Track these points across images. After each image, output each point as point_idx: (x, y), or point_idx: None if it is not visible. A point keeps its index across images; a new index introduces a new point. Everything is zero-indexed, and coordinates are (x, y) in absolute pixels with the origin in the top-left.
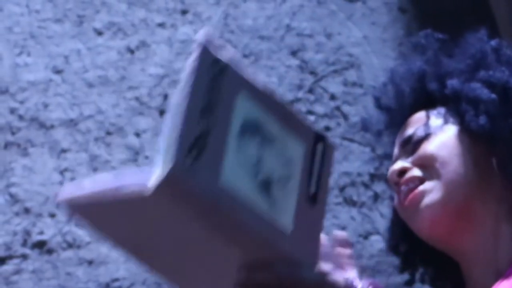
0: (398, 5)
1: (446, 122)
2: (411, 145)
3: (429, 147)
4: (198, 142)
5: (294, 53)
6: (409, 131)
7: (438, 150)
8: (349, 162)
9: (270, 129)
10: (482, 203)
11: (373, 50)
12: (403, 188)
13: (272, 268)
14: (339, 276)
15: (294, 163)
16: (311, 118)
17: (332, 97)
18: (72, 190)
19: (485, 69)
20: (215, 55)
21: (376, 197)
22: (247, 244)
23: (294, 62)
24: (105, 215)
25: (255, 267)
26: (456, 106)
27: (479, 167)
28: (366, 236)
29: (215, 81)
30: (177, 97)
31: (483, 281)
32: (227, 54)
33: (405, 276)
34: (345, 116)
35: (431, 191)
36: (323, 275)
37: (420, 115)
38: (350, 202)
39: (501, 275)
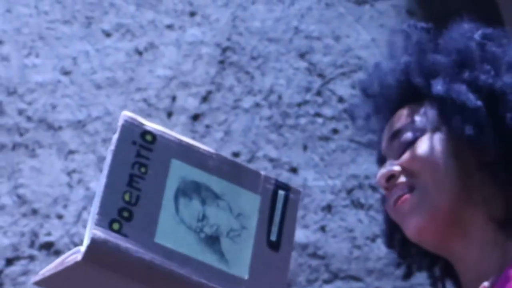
0: (406, 7)
1: (433, 122)
2: (399, 145)
3: (418, 152)
4: (126, 208)
5: (302, 56)
6: (396, 125)
7: (426, 156)
8: (357, 164)
9: (213, 187)
10: (469, 211)
11: (381, 52)
12: (392, 193)
13: None
14: None
15: (248, 215)
16: (319, 120)
17: (340, 99)
18: (42, 272)
19: (470, 68)
20: (141, 127)
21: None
22: None
23: (302, 64)
24: (62, 282)
25: None
26: (442, 107)
27: (467, 174)
28: (373, 239)
29: (143, 151)
30: (103, 171)
31: (474, 286)
32: (157, 126)
33: (412, 278)
34: None
35: (419, 199)
36: None
37: (407, 111)
38: (357, 205)
39: (488, 280)
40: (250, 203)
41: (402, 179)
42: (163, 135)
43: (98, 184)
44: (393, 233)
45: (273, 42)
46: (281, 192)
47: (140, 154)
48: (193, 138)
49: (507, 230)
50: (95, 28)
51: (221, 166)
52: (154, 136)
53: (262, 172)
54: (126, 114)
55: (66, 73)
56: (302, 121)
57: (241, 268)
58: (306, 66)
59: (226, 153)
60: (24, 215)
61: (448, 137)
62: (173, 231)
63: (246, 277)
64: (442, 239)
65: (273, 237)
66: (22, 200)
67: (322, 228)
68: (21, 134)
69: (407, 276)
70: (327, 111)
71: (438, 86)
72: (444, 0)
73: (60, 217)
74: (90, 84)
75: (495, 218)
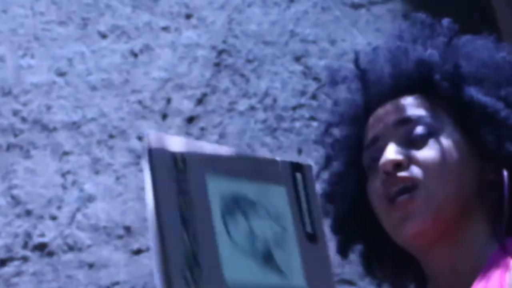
0: (403, 12)
1: (451, 126)
2: (407, 134)
3: (433, 151)
4: (191, 263)
5: (297, 59)
6: (407, 112)
7: (440, 158)
8: None
9: (247, 193)
10: (469, 224)
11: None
12: (393, 182)
13: None
14: None
15: (282, 212)
16: (314, 124)
17: (335, 103)
18: None
19: (506, 85)
20: (169, 151)
21: None
22: None
23: (298, 68)
24: None
25: None
26: (469, 116)
27: (475, 186)
28: None
29: (180, 176)
30: (153, 219)
31: None
32: (176, 142)
33: None
34: None
35: (425, 202)
36: None
37: (420, 102)
38: None
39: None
40: (280, 198)
41: (407, 173)
42: (188, 151)
43: (152, 236)
44: (351, 213)
45: (269, 45)
46: (298, 175)
47: (178, 180)
48: None
49: (493, 238)
50: (91, 30)
51: (244, 166)
52: (183, 157)
53: (278, 158)
54: (151, 136)
55: (61, 74)
56: (297, 124)
57: (298, 277)
58: (301, 70)
59: None
60: (18, 216)
61: (465, 144)
62: (236, 262)
63: (305, 284)
64: (435, 244)
65: (309, 229)
66: (16, 201)
67: None
68: (15, 135)
69: (342, 252)
70: (322, 115)
71: (472, 94)
72: (441, 5)
73: (54, 218)
74: (85, 85)
75: (489, 233)
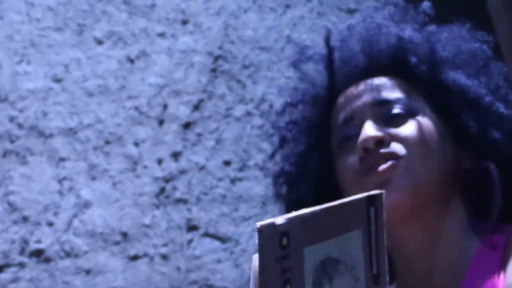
0: None
1: (428, 110)
2: (386, 114)
3: (412, 129)
4: None
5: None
6: (385, 93)
7: (420, 136)
8: None
9: (331, 253)
10: (447, 212)
11: None
12: (375, 158)
13: None
14: None
15: (357, 260)
16: None
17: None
18: None
19: (484, 73)
20: (278, 230)
21: None
22: None
23: (294, 73)
24: None
25: None
26: (447, 101)
27: (451, 173)
28: None
29: (284, 264)
30: None
31: (412, 281)
32: (281, 220)
33: None
34: None
35: (405, 172)
36: None
37: (397, 84)
38: None
39: (432, 279)
40: (356, 245)
41: (389, 149)
42: (294, 226)
43: None
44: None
45: (265, 50)
46: (371, 210)
47: (283, 270)
48: (184, 146)
49: (473, 233)
50: (87, 36)
51: (330, 223)
52: (288, 235)
53: (361, 196)
54: (260, 224)
55: (57, 80)
56: None
57: None
58: (298, 75)
59: (217, 161)
60: (15, 222)
61: (442, 129)
62: None
63: None
64: (412, 225)
65: (375, 270)
66: (12, 207)
67: None
68: (12, 141)
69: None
70: None
71: (460, 79)
72: (437, 11)
73: (50, 224)
74: (81, 91)
75: (461, 218)
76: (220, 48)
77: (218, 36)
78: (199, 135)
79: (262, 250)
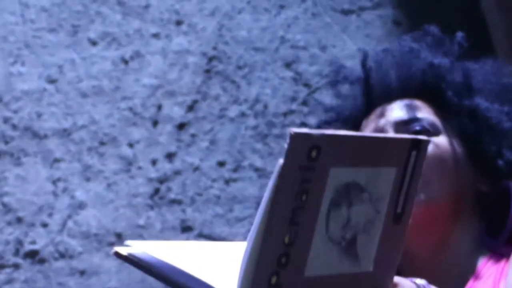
0: (393, 18)
1: (452, 134)
2: (412, 131)
3: (433, 147)
4: (284, 254)
5: (288, 65)
6: (411, 113)
7: (441, 155)
8: None
9: (359, 180)
10: (456, 223)
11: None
12: None
13: None
14: (409, 286)
15: (383, 195)
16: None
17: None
18: None
19: (510, 104)
20: (310, 142)
21: None
22: None
23: (288, 74)
24: None
25: None
26: (471, 126)
27: (468, 194)
28: None
29: (307, 174)
30: (262, 214)
31: None
32: (317, 133)
33: None
34: None
35: (422, 187)
36: None
37: (426, 105)
38: None
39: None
40: (387, 181)
41: None
42: (327, 142)
43: (253, 227)
44: None
45: (259, 51)
46: (413, 153)
47: (304, 180)
48: (178, 147)
49: (483, 248)
50: (81, 37)
51: (368, 152)
52: (319, 149)
53: (408, 136)
54: (294, 131)
55: (52, 81)
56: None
57: (368, 261)
58: (292, 76)
59: (211, 162)
60: (9, 223)
61: (463, 154)
62: (320, 255)
63: (370, 268)
64: (419, 234)
65: (399, 209)
66: (7, 208)
67: None
68: (6, 142)
69: None
70: (313, 121)
71: (483, 104)
72: (431, 11)
73: (45, 225)
74: (76, 92)
75: (478, 242)
76: (214, 48)
77: (212, 37)
78: (193, 136)
79: (288, 154)
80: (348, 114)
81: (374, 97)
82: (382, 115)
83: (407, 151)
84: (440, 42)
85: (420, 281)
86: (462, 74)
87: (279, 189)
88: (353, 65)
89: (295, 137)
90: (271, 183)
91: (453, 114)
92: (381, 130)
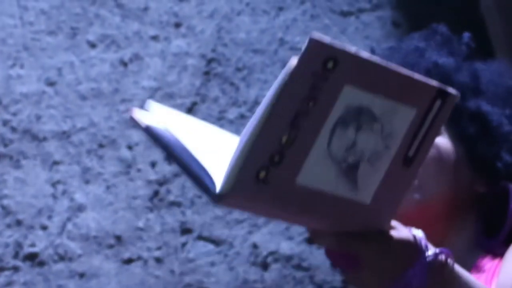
0: (392, 19)
1: (452, 134)
2: None
3: (436, 146)
4: (279, 152)
5: None
6: None
7: (438, 155)
8: None
9: (375, 109)
10: (452, 224)
11: None
12: None
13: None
14: (407, 233)
15: (397, 133)
16: None
17: None
18: None
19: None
20: (327, 52)
21: None
22: (329, 225)
23: None
24: None
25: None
26: (471, 127)
27: (465, 194)
28: None
29: (319, 82)
30: (265, 109)
31: None
32: (340, 47)
33: None
34: None
35: (416, 188)
36: (393, 241)
37: None
38: None
39: None
40: (403, 120)
41: None
42: (347, 59)
43: (253, 118)
44: None
45: (258, 53)
46: (437, 102)
47: (314, 87)
48: None
49: (479, 249)
50: (80, 39)
51: (390, 83)
52: (336, 62)
53: (435, 84)
54: (316, 36)
55: (51, 84)
56: None
57: (367, 193)
58: None
59: None
60: (8, 226)
61: (462, 154)
62: (317, 167)
63: (368, 201)
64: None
65: (411, 153)
66: (6, 211)
67: (307, 240)
68: (5, 145)
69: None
70: None
71: (484, 106)
72: (430, 12)
73: (44, 228)
74: (75, 95)
75: (474, 243)
76: (213, 51)
77: (211, 39)
78: None
79: (302, 57)
80: None
81: None
82: None
83: (431, 97)
84: (448, 41)
85: (417, 232)
86: (467, 75)
87: (286, 87)
88: None
89: (314, 42)
90: (279, 78)
91: (455, 114)
92: None
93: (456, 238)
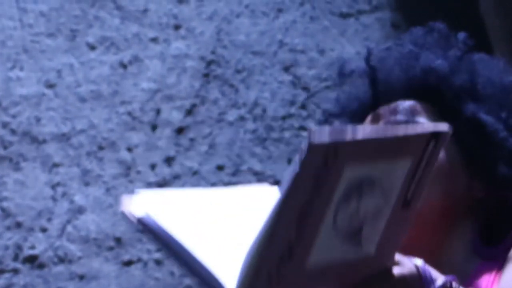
0: (391, 21)
1: (451, 137)
2: None
3: None
4: (285, 256)
5: (286, 69)
6: (408, 115)
7: (437, 162)
8: None
9: (373, 174)
10: (449, 230)
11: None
12: None
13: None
14: (410, 266)
15: (396, 184)
16: (304, 134)
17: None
18: None
19: (509, 109)
20: (326, 141)
21: None
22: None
23: (287, 77)
24: None
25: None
26: (468, 133)
27: (461, 200)
28: None
29: (322, 173)
30: (271, 211)
31: None
32: (337, 131)
33: None
34: None
35: None
36: (396, 278)
37: (426, 108)
38: None
39: None
40: (400, 172)
41: None
42: (346, 145)
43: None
44: None
45: (258, 55)
46: (431, 143)
47: (317, 181)
48: (177, 151)
49: (476, 256)
50: (80, 41)
51: (384, 148)
52: (336, 154)
53: (428, 130)
54: (315, 140)
55: (50, 86)
56: (287, 134)
57: (371, 244)
58: (290, 80)
59: (210, 166)
60: (8, 228)
61: (458, 159)
62: (325, 245)
63: (373, 252)
64: (410, 241)
65: (409, 196)
66: (6, 213)
67: None
68: (5, 147)
69: None
70: (311, 125)
71: (479, 112)
72: (430, 13)
73: (44, 230)
74: (74, 97)
75: (471, 248)
76: (213, 52)
77: (210, 41)
78: (192, 140)
79: (303, 162)
80: (355, 107)
81: (378, 94)
82: (378, 118)
83: (425, 142)
84: (445, 38)
85: (418, 261)
86: (463, 77)
87: (291, 192)
88: (358, 62)
89: (314, 147)
90: (284, 187)
91: (451, 118)
92: None
93: (453, 245)
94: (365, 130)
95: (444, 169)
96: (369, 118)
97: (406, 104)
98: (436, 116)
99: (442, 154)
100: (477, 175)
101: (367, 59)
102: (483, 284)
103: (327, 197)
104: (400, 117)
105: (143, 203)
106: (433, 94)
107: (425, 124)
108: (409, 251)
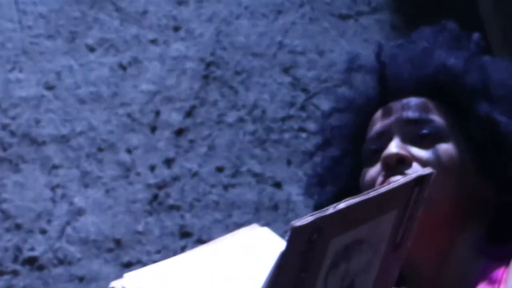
0: (390, 22)
1: (460, 137)
2: (416, 133)
3: (437, 153)
4: None
5: (286, 70)
6: (420, 113)
7: (445, 161)
8: None
9: (359, 236)
10: (458, 230)
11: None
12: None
13: None
14: None
15: (384, 236)
16: (303, 135)
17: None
18: None
19: None
20: (310, 232)
21: None
22: None
23: (286, 79)
24: None
25: None
26: (480, 132)
27: (470, 200)
28: None
29: (307, 255)
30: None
31: None
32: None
33: None
34: None
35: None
36: None
37: (436, 106)
38: None
39: None
40: (388, 223)
41: (408, 170)
42: (329, 219)
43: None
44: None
45: (257, 57)
46: (416, 189)
47: (303, 260)
48: (177, 153)
49: (484, 256)
50: (79, 43)
51: (367, 211)
52: (320, 231)
53: (411, 178)
54: (297, 224)
55: (50, 88)
56: (286, 136)
57: None
58: (290, 81)
59: (210, 168)
60: (8, 230)
61: (468, 158)
62: None
63: None
64: (419, 240)
65: (398, 239)
66: (5, 215)
67: None
68: (4, 149)
69: None
70: (311, 126)
71: (492, 112)
72: (429, 15)
73: (43, 232)
74: (74, 99)
75: (472, 242)
76: (212, 54)
77: (210, 43)
78: (191, 141)
79: (288, 247)
80: (359, 104)
81: (388, 89)
82: (389, 113)
83: (409, 190)
84: (456, 38)
85: None
86: (476, 77)
87: (276, 277)
88: (368, 57)
89: (297, 230)
90: (270, 272)
91: (462, 117)
92: (386, 132)
93: (461, 244)
94: (347, 201)
95: (454, 172)
96: (378, 113)
97: (418, 100)
98: (446, 114)
99: (454, 153)
100: (487, 175)
101: (378, 55)
102: (491, 282)
103: (315, 270)
104: (411, 113)
105: (133, 284)
106: (445, 92)
107: (407, 175)
108: (417, 250)
